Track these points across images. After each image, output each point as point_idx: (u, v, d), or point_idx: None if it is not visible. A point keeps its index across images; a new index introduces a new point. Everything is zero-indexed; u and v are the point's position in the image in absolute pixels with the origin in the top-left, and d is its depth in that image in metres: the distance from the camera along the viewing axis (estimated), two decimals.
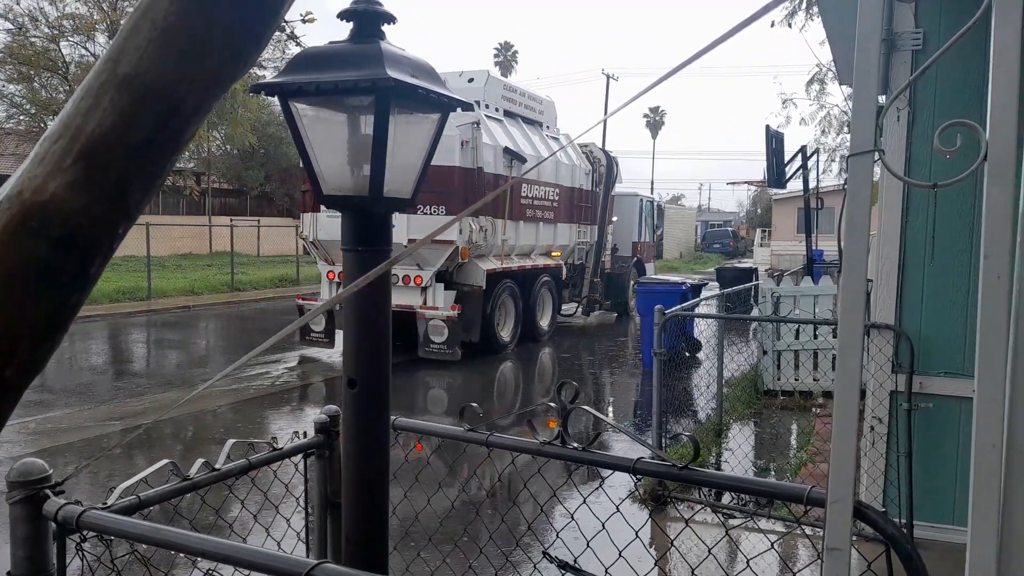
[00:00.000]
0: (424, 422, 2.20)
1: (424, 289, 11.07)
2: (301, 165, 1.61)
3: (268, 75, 16.06)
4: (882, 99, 4.15)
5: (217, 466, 2.05)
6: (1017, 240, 1.25)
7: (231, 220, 26.39)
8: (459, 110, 1.58)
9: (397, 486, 2.25)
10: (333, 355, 11.38)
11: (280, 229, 30.66)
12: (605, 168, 15.36)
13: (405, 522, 2.30)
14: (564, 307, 14.81)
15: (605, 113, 49.51)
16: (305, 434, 2.34)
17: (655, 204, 20.03)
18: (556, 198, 13.62)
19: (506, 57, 63.20)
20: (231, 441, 2.12)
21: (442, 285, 11.14)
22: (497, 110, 12.55)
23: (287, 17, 8.22)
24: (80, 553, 1.68)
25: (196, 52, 0.79)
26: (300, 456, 2.31)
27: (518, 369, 11.53)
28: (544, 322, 13.65)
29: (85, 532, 1.62)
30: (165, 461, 1.96)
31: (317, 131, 1.53)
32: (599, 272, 15.45)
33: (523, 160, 12.13)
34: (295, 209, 34.09)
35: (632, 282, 16.53)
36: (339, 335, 11.04)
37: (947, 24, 4.21)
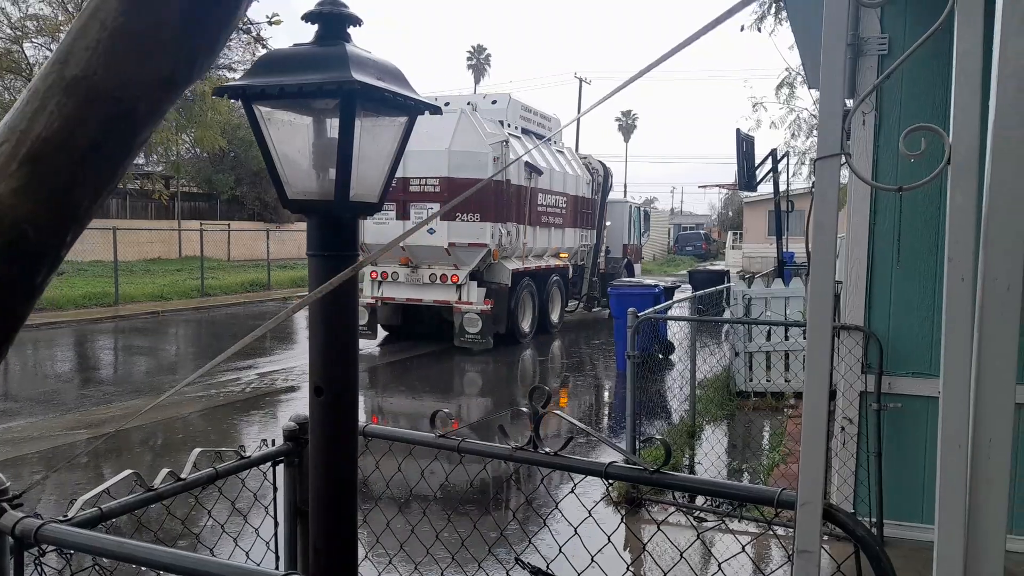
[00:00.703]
0: (394, 429, 2.17)
1: (459, 286, 12.46)
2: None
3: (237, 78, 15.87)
4: (850, 103, 4.20)
5: (183, 476, 2.01)
6: (980, 242, 1.27)
7: (201, 224, 26.08)
8: (425, 113, 1.57)
9: (368, 493, 2.23)
10: (369, 347, 12.78)
11: (251, 233, 30.35)
12: (602, 177, 17.10)
13: (376, 529, 2.27)
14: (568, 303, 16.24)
15: (578, 123, 49.56)
16: (274, 442, 2.30)
17: (641, 210, 21.78)
18: (564, 206, 15.29)
19: (479, 60, 63.21)
20: (197, 450, 2.08)
21: (475, 283, 12.53)
22: (516, 128, 13.88)
23: (254, 19, 8.20)
24: (39, 568, 1.63)
25: (147, 54, 0.77)
26: (269, 464, 2.28)
27: (536, 356, 12.96)
28: (554, 316, 15.14)
29: (44, 546, 1.58)
30: (128, 472, 1.91)
31: (281, 135, 1.51)
32: (596, 271, 17.00)
33: (540, 172, 13.88)
34: (266, 213, 33.80)
35: (621, 278, 17.97)
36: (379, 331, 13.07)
37: (912, 29, 4.27)
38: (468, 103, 13.18)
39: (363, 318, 12.44)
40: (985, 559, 1.28)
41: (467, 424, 7.86)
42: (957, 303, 1.27)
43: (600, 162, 17.50)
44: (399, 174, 11.76)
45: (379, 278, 12.89)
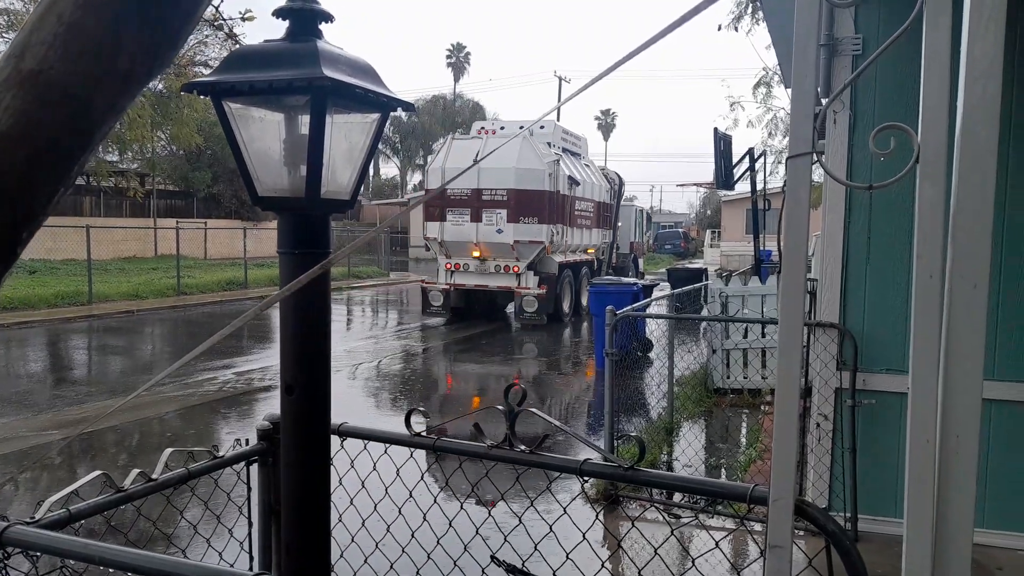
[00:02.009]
0: (369, 428, 2.16)
1: (519, 275, 15.57)
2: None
3: None
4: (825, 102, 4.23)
5: (154, 476, 1.99)
6: (948, 240, 1.28)
7: (177, 222, 25.78)
8: (399, 110, 1.55)
9: (343, 492, 2.21)
10: (442, 324, 15.78)
11: (228, 231, 30.05)
12: (618, 185, 20.62)
13: (352, 528, 2.26)
14: None
15: (557, 118, 49.79)
16: (248, 441, 2.28)
17: (644, 212, 26.58)
18: (592, 210, 18.53)
19: (459, 59, 63.04)
20: (169, 450, 2.05)
21: (531, 272, 15.62)
22: (559, 148, 17.02)
23: (226, 15, 8.13)
24: (4, 571, 1.60)
25: (105, 48, 0.75)
26: (243, 464, 2.25)
27: (572, 331, 15.87)
28: (584, 301, 17.29)
29: (9, 548, 1.55)
30: (97, 473, 1.88)
31: (251, 131, 1.49)
32: (611, 264, 20.18)
33: (578, 183, 17.10)
34: (244, 211, 33.49)
35: (629, 271, 22.44)
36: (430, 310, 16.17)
37: (885, 29, 4.32)
38: (521, 126, 16.21)
39: (439, 301, 15.90)
40: (953, 552, 1.29)
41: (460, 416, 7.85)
42: (926, 300, 1.28)
43: (616, 172, 21.19)
44: (472, 184, 15.50)
45: (452, 268, 15.94)
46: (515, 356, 12.98)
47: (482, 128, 17.04)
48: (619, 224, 20.93)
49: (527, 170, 15.26)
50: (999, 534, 4.30)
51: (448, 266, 15.94)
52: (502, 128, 16.35)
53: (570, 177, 16.57)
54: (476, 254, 15.67)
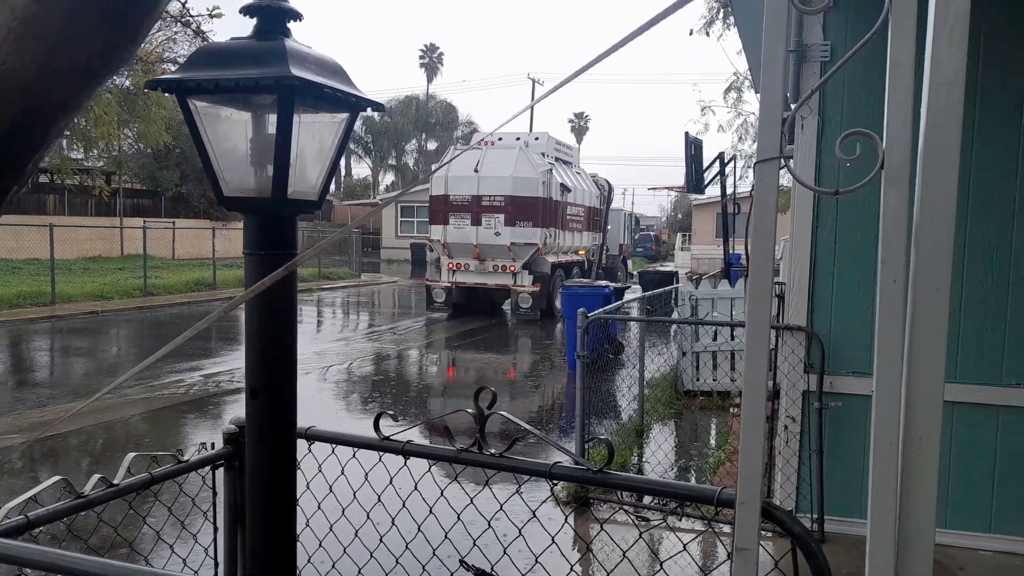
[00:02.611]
0: (337, 431, 2.14)
1: (515, 274, 16.89)
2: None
3: None
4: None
5: (116, 481, 1.95)
6: (911, 245, 1.30)
7: (144, 222, 25.33)
8: (369, 110, 1.54)
9: (310, 497, 2.18)
10: (444, 319, 17.18)
11: (196, 231, 29.63)
12: (607, 191, 22.05)
13: (319, 534, 2.23)
14: None
15: (531, 120, 49.85)
16: (213, 445, 2.25)
17: (632, 216, 28.95)
18: (583, 215, 19.97)
19: (431, 59, 62.83)
20: (131, 455, 2.01)
21: (527, 271, 16.91)
22: (552, 158, 18.35)
23: (194, 11, 8.03)
24: None
25: (62, 43, 0.73)
26: (208, 468, 2.22)
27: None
28: None
29: None
30: (57, 478, 1.84)
31: (217, 130, 1.46)
32: (600, 265, 21.43)
33: (569, 190, 18.61)
34: (213, 211, 33.05)
35: (619, 271, 24.27)
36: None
37: (853, 36, 4.39)
38: (517, 138, 17.94)
39: (442, 298, 17.42)
40: (915, 552, 1.31)
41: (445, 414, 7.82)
42: (889, 304, 1.30)
43: (606, 179, 22.43)
44: (473, 191, 16.95)
45: (454, 268, 17.31)
46: (509, 349, 14.39)
47: (482, 140, 18.05)
48: (608, 227, 22.51)
49: (522, 178, 16.74)
50: (961, 534, 4.38)
51: (450, 266, 17.37)
52: (500, 139, 17.49)
53: (562, 184, 18.10)
54: (476, 255, 17.09)
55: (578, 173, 20.61)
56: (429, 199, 18.18)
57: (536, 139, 18.46)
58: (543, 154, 17.90)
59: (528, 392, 10.27)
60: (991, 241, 4.32)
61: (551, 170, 17.45)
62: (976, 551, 4.37)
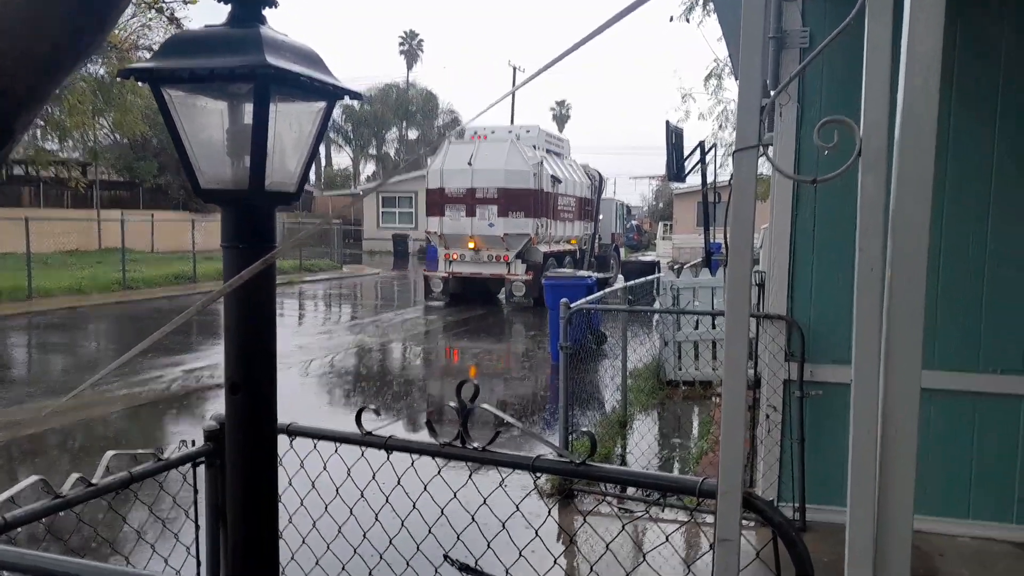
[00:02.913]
0: (319, 427, 2.12)
1: (509, 263, 17.62)
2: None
3: None
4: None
5: (94, 481, 1.92)
6: (888, 233, 1.30)
7: (122, 214, 25.03)
8: (345, 100, 1.52)
9: (293, 492, 2.17)
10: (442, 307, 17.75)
11: (176, 224, 29.31)
12: (598, 182, 22.68)
13: (302, 530, 2.22)
14: None
15: (512, 108, 49.73)
16: (194, 442, 2.22)
17: (624, 206, 29.52)
18: (574, 205, 20.66)
19: (411, 46, 62.40)
20: (110, 453, 1.98)
21: (520, 260, 17.67)
22: (543, 150, 18.99)
23: None
24: None
25: (25, 32, 0.71)
26: (189, 466, 2.19)
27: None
28: None
29: None
30: (34, 478, 1.81)
31: (192, 120, 1.44)
32: (593, 254, 21.87)
33: (560, 181, 19.22)
34: (192, 203, 32.73)
35: (611, 259, 24.51)
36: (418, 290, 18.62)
37: (831, 23, 4.40)
38: (509, 131, 18.82)
39: (439, 287, 18.04)
40: (894, 539, 1.32)
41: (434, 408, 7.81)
42: (867, 292, 1.30)
43: (596, 170, 22.91)
44: (468, 184, 17.54)
45: (451, 258, 17.96)
46: (499, 337, 14.84)
47: (475, 133, 18.54)
48: (600, 217, 23.13)
49: (514, 171, 17.42)
50: (941, 520, 4.44)
51: (447, 256, 18.05)
52: (492, 132, 18.36)
53: (553, 176, 18.79)
54: (471, 245, 17.75)
55: (570, 165, 21.17)
56: (426, 192, 18.79)
57: (528, 132, 19.09)
58: (534, 147, 18.49)
59: (514, 382, 10.28)
60: (969, 228, 4.36)
61: (542, 162, 18.05)
62: (955, 537, 4.43)
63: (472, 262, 17.95)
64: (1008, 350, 4.38)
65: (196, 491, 2.20)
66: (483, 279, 18.13)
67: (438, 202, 17.89)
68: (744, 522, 1.44)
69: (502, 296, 18.41)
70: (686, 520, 4.93)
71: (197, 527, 2.21)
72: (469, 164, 17.47)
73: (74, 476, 1.87)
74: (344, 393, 9.69)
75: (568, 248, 20.33)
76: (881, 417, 1.31)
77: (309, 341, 12.97)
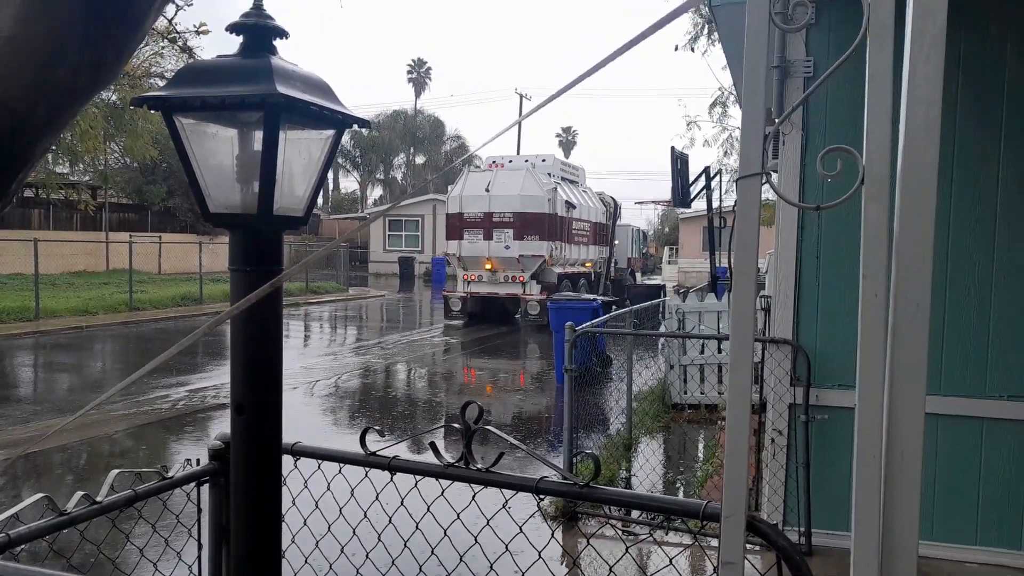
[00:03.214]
0: (323, 447, 2.13)
1: (524, 284, 18.67)
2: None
3: None
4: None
5: (99, 499, 1.93)
6: (892, 260, 1.31)
7: (130, 236, 25.21)
8: (355, 126, 1.55)
9: (297, 513, 2.17)
10: (461, 326, 18.53)
11: (183, 246, 29.47)
12: (613, 208, 23.87)
13: (305, 550, 2.22)
14: None
15: (519, 134, 50.02)
16: (199, 461, 2.23)
17: (641, 231, 30.84)
18: (588, 230, 21.81)
19: (419, 74, 63.05)
20: (115, 471, 1.99)
21: (535, 281, 18.65)
22: (558, 177, 20.17)
23: (180, 28, 8.01)
24: None
25: (47, 62, 0.73)
26: (193, 485, 2.20)
27: None
28: None
29: None
30: (39, 495, 1.82)
31: (204, 147, 1.46)
32: (608, 276, 22.80)
33: (574, 207, 20.39)
34: (200, 225, 32.90)
35: (627, 283, 25.28)
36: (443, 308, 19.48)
37: (835, 52, 4.44)
38: (526, 160, 19.74)
39: (458, 306, 19.02)
40: (899, 565, 1.31)
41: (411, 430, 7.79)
42: (871, 319, 1.31)
43: (612, 197, 24.25)
44: (485, 209, 18.77)
45: (469, 279, 19.05)
46: (517, 355, 15.43)
47: (493, 162, 19.81)
48: (616, 242, 24.05)
49: (529, 196, 18.51)
50: (947, 547, 4.40)
51: (465, 277, 19.20)
52: (510, 161, 19.58)
53: (567, 202, 19.88)
54: (488, 267, 18.86)
55: (585, 191, 22.38)
56: (445, 216, 19.90)
57: (543, 161, 20.23)
58: (549, 174, 19.67)
59: (522, 402, 10.26)
60: (974, 253, 4.36)
61: (556, 188, 19.16)
62: (962, 563, 4.38)
63: (489, 282, 18.95)
64: (1014, 375, 4.36)
65: (200, 510, 2.21)
66: (500, 299, 19.05)
67: (457, 226, 18.99)
68: (748, 546, 1.44)
69: (519, 315, 19.03)
70: (690, 543, 4.90)
71: (200, 546, 2.22)
72: (487, 190, 18.57)
73: (79, 494, 1.88)
74: (349, 414, 9.67)
75: (583, 270, 21.19)
76: (885, 442, 1.31)
77: (314, 362, 12.98)
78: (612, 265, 23.54)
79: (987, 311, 4.37)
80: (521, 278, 18.70)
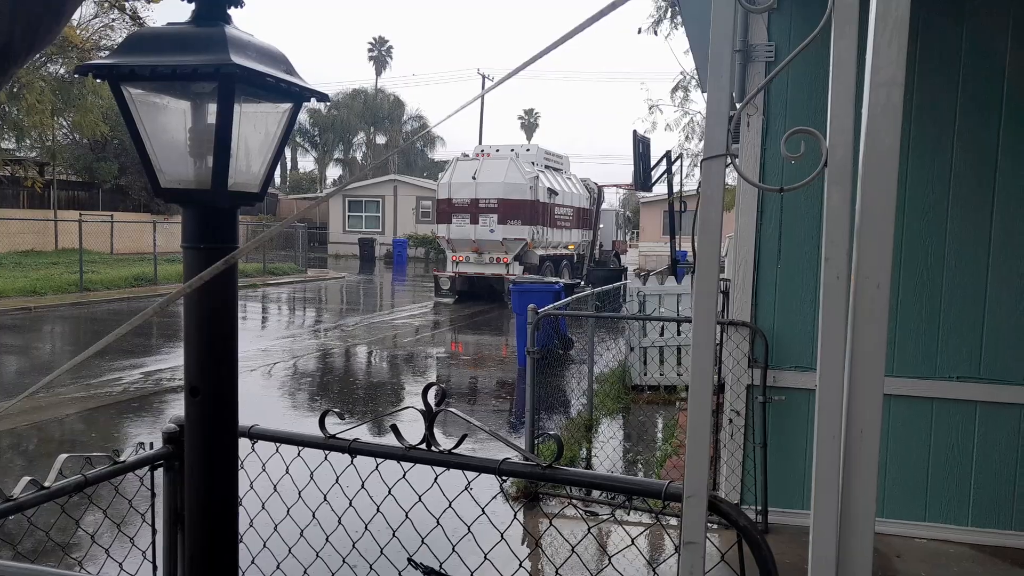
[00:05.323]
0: (281, 430, 2.09)
1: (508, 265, 19.76)
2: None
3: None
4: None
5: (47, 484, 1.87)
6: (854, 242, 1.32)
7: (80, 215, 24.49)
8: (313, 100, 1.50)
9: (254, 497, 2.13)
10: (451, 304, 19.75)
11: (137, 225, 28.77)
12: (596, 194, 24.77)
13: (263, 534, 2.18)
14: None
15: (480, 116, 49.67)
16: (152, 445, 2.18)
17: (625, 215, 32.11)
18: (571, 215, 22.84)
19: (381, 52, 62.15)
20: (63, 456, 1.93)
21: (518, 262, 19.75)
22: (542, 166, 21.15)
23: None
24: None
25: None
26: (147, 469, 2.15)
27: None
28: None
29: None
30: None
31: (153, 119, 1.40)
32: (592, 259, 23.85)
33: (556, 193, 21.47)
34: (154, 204, 32.14)
35: (611, 264, 26.11)
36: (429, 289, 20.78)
37: (796, 37, 4.48)
38: (512, 150, 20.74)
39: (447, 285, 20.16)
40: (856, 541, 1.33)
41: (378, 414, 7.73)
42: (832, 300, 1.32)
43: (595, 183, 25.15)
44: (472, 195, 19.92)
45: (457, 260, 20.25)
46: (502, 331, 15.66)
47: (480, 151, 21.04)
48: (600, 226, 25.26)
49: (512, 183, 19.64)
50: (898, 523, 4.53)
51: (454, 258, 20.42)
52: (497, 151, 20.73)
53: (549, 188, 20.92)
54: (474, 249, 20.06)
55: (569, 178, 23.52)
56: (435, 202, 21.28)
57: (527, 150, 21.57)
58: (532, 163, 20.79)
59: (486, 383, 10.26)
60: (926, 238, 4.46)
61: (538, 176, 20.30)
62: (912, 539, 4.52)
63: (476, 263, 20.25)
64: (962, 357, 4.48)
65: (154, 495, 2.15)
66: (486, 278, 20.31)
67: (447, 211, 20.26)
68: (708, 524, 1.45)
69: (506, 295, 19.94)
70: (651, 523, 4.96)
71: (154, 531, 2.17)
72: (473, 178, 19.77)
73: (25, 479, 1.82)
74: (308, 396, 9.57)
75: (565, 253, 22.29)
76: (845, 421, 1.33)
77: (272, 344, 12.81)
78: (598, 247, 24.87)
79: (938, 295, 4.48)
80: (505, 259, 19.88)
